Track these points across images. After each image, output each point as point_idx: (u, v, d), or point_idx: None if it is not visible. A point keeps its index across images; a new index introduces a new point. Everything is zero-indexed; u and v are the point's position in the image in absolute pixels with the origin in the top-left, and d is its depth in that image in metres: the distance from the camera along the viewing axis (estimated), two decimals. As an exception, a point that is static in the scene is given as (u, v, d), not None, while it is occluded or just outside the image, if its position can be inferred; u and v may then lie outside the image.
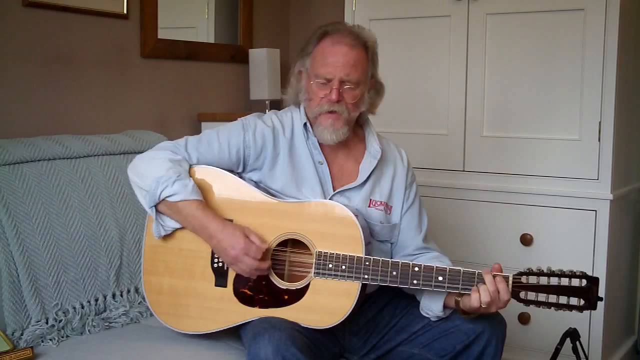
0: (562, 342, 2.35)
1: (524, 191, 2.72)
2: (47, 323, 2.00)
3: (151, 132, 2.56)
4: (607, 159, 2.57)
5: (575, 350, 2.35)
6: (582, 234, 2.62)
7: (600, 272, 2.59)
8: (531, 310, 2.73)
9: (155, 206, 1.87)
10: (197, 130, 3.06)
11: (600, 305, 2.58)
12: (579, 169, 2.62)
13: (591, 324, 2.62)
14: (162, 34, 2.93)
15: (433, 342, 1.90)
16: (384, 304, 2.01)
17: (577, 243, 2.62)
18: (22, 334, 1.96)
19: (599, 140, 2.58)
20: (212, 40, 3.28)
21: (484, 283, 1.75)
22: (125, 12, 2.76)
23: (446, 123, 2.87)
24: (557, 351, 2.37)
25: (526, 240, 2.73)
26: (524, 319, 2.75)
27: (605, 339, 2.65)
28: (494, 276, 1.75)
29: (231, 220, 1.90)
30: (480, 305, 1.75)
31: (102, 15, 2.67)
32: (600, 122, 2.57)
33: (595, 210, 2.60)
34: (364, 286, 1.84)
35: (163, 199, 1.85)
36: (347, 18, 3.05)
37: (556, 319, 2.65)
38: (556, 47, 2.64)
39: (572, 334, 2.33)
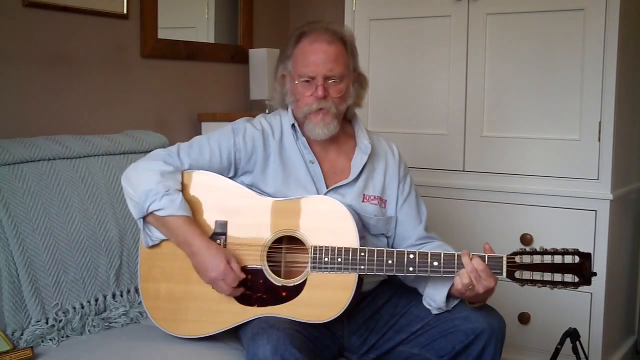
0: (562, 342, 2.35)
1: (524, 191, 2.72)
2: (47, 323, 2.00)
3: (151, 132, 2.56)
4: (607, 159, 2.57)
5: (575, 350, 2.35)
6: (582, 234, 2.62)
7: (600, 272, 2.59)
8: (531, 309, 2.74)
9: (144, 217, 1.90)
10: (197, 130, 3.07)
11: (601, 305, 2.61)
12: (579, 169, 2.62)
13: (591, 324, 2.63)
14: (162, 34, 2.93)
15: (432, 342, 1.91)
16: (383, 302, 2.02)
17: (577, 243, 2.59)
18: (22, 334, 1.96)
19: (599, 140, 2.58)
20: (212, 40, 3.28)
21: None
22: (125, 12, 2.76)
23: (446, 123, 2.87)
24: (557, 351, 2.38)
25: (526, 240, 2.73)
26: (524, 319, 2.75)
27: (605, 339, 2.65)
28: (472, 257, 1.79)
29: (226, 222, 1.92)
30: (465, 289, 1.78)
31: (102, 15, 2.67)
32: (600, 122, 2.57)
33: (595, 210, 2.60)
34: (361, 278, 1.86)
35: (151, 212, 1.88)
36: (347, 18, 3.05)
37: (556, 319, 2.66)
38: (556, 47, 2.64)
39: (572, 334, 2.33)
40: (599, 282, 2.60)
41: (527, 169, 2.73)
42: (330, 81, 1.95)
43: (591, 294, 2.62)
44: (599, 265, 2.59)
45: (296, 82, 1.97)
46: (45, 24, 2.49)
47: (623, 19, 2.55)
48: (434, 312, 1.92)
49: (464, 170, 2.86)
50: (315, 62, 1.93)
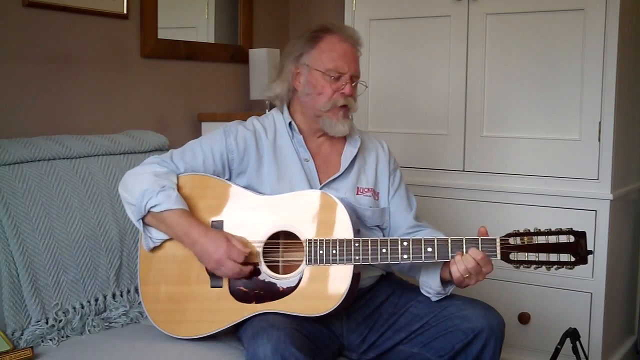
0: (562, 342, 2.35)
1: (524, 191, 2.72)
2: (47, 323, 2.01)
3: (151, 132, 2.56)
4: (607, 159, 2.57)
5: (575, 350, 2.35)
6: (582, 234, 2.62)
7: (600, 272, 2.59)
8: (531, 309, 2.74)
9: (143, 219, 1.91)
10: (197, 130, 3.07)
11: (601, 305, 2.61)
12: (579, 169, 2.62)
13: (591, 324, 2.63)
14: (162, 34, 2.93)
15: (432, 341, 1.91)
16: (381, 301, 2.03)
17: (577, 243, 2.62)
18: (22, 334, 1.97)
19: (599, 140, 2.58)
20: (212, 40, 3.28)
21: (460, 253, 1.80)
22: (125, 12, 2.76)
23: (446, 123, 2.87)
24: (557, 351, 2.38)
25: (526, 240, 2.73)
26: (523, 318, 2.75)
27: (605, 339, 2.65)
28: (465, 251, 1.80)
29: (222, 221, 1.93)
30: (463, 276, 1.80)
31: (102, 15, 2.67)
32: (600, 122, 2.57)
33: (595, 210, 2.60)
34: (358, 271, 1.87)
35: (149, 210, 1.89)
36: (347, 18, 3.05)
37: (556, 319, 2.66)
38: (556, 47, 2.64)
39: (572, 334, 2.33)
40: (599, 282, 2.60)
41: (527, 169, 2.73)
42: (354, 82, 2.01)
43: (591, 294, 2.62)
44: (599, 265, 2.59)
45: (323, 75, 1.99)
46: (45, 24, 2.49)
47: (623, 19, 2.55)
48: (434, 298, 1.94)
49: (463, 170, 2.86)
50: (346, 61, 1.99)
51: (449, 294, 1.94)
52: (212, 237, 1.87)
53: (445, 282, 1.91)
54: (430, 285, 1.93)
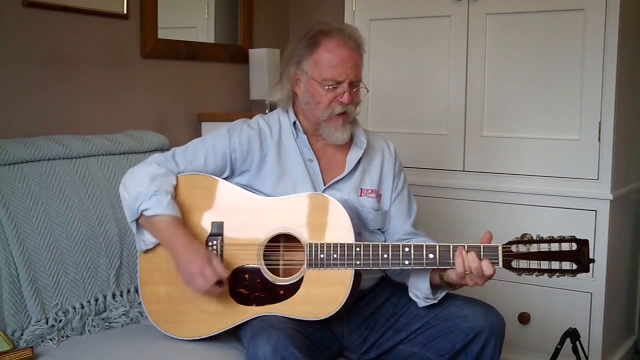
0: (562, 342, 2.35)
1: (524, 191, 2.72)
2: (47, 323, 2.01)
3: (151, 132, 2.56)
4: (607, 159, 2.57)
5: (575, 350, 2.35)
6: (582, 234, 2.60)
7: (600, 272, 2.59)
8: (531, 309, 2.74)
9: (137, 221, 1.91)
10: (197, 130, 3.07)
11: (601, 305, 2.61)
12: (579, 169, 2.62)
13: (591, 324, 2.63)
14: (162, 34, 2.93)
15: (432, 341, 1.91)
16: (382, 301, 2.03)
17: (577, 243, 2.62)
18: (22, 334, 1.97)
19: (599, 140, 2.58)
20: (212, 40, 3.28)
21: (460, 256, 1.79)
22: (125, 12, 2.76)
23: (446, 123, 2.87)
24: (557, 351, 2.38)
25: (526, 240, 2.72)
26: (523, 318, 2.75)
27: (605, 339, 2.65)
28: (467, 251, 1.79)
29: (222, 222, 1.93)
30: (464, 273, 1.78)
31: (102, 15, 2.67)
32: (600, 122, 2.57)
33: (595, 210, 2.60)
34: (358, 274, 1.86)
35: (141, 213, 1.88)
36: (347, 18, 3.05)
37: (556, 319, 2.66)
38: (556, 47, 2.64)
39: (572, 334, 2.34)
40: (599, 282, 2.60)
41: (527, 169, 2.73)
42: (354, 88, 1.97)
43: (591, 294, 2.62)
44: (599, 265, 2.59)
45: (320, 84, 1.96)
46: (45, 24, 2.49)
47: (623, 19, 2.55)
48: (421, 304, 1.93)
49: (463, 170, 2.86)
50: (344, 68, 1.94)
51: (437, 301, 1.92)
52: (193, 250, 1.84)
53: (434, 286, 1.90)
54: (419, 287, 1.91)
